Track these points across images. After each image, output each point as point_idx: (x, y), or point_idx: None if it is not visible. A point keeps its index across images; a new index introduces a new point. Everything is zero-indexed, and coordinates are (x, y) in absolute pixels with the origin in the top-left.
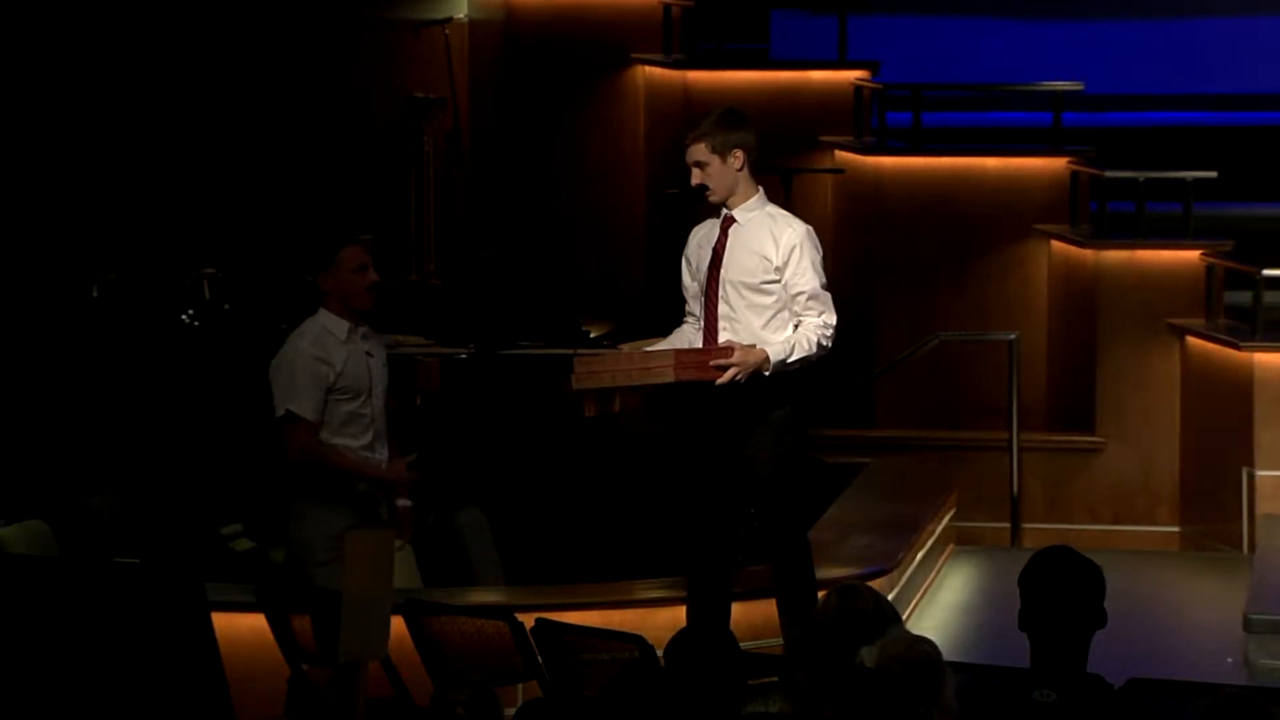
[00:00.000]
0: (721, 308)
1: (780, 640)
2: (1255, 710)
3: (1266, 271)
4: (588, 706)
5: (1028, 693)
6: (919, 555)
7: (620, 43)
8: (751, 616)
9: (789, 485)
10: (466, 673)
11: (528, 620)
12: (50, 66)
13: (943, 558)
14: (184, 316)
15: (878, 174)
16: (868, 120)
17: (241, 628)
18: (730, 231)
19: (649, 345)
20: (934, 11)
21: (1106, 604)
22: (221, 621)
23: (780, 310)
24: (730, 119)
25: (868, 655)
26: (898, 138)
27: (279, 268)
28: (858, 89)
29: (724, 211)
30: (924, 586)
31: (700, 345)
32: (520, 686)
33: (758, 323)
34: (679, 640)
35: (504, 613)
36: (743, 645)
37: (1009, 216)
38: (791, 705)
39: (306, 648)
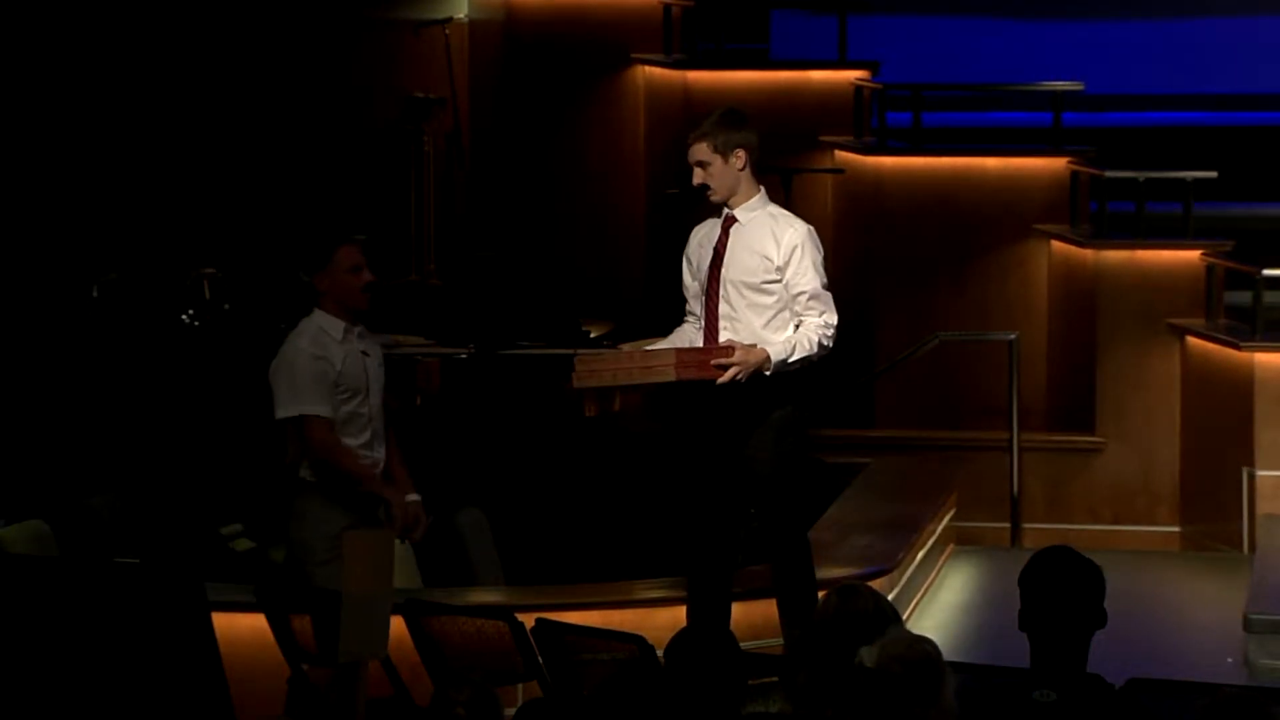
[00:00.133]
0: (722, 307)
1: (780, 640)
2: (1255, 710)
3: (1266, 271)
4: (588, 706)
5: (1028, 693)
6: (919, 555)
7: (620, 43)
8: (751, 616)
9: (789, 485)
10: (466, 673)
11: (528, 620)
12: (50, 66)
13: (943, 558)
14: (184, 316)
15: (878, 174)
16: (868, 120)
17: (241, 628)
18: (731, 231)
19: (649, 345)
20: (934, 11)
21: (1106, 604)
22: (221, 621)
23: (781, 310)
24: (732, 119)
25: (867, 655)
26: (898, 138)
27: (276, 268)
28: (858, 89)
29: (725, 211)
30: (924, 586)
31: (701, 345)
32: (520, 686)
33: (758, 322)
34: (679, 640)
35: (504, 613)
36: (743, 645)
37: (1009, 216)
38: (791, 705)
39: (306, 648)
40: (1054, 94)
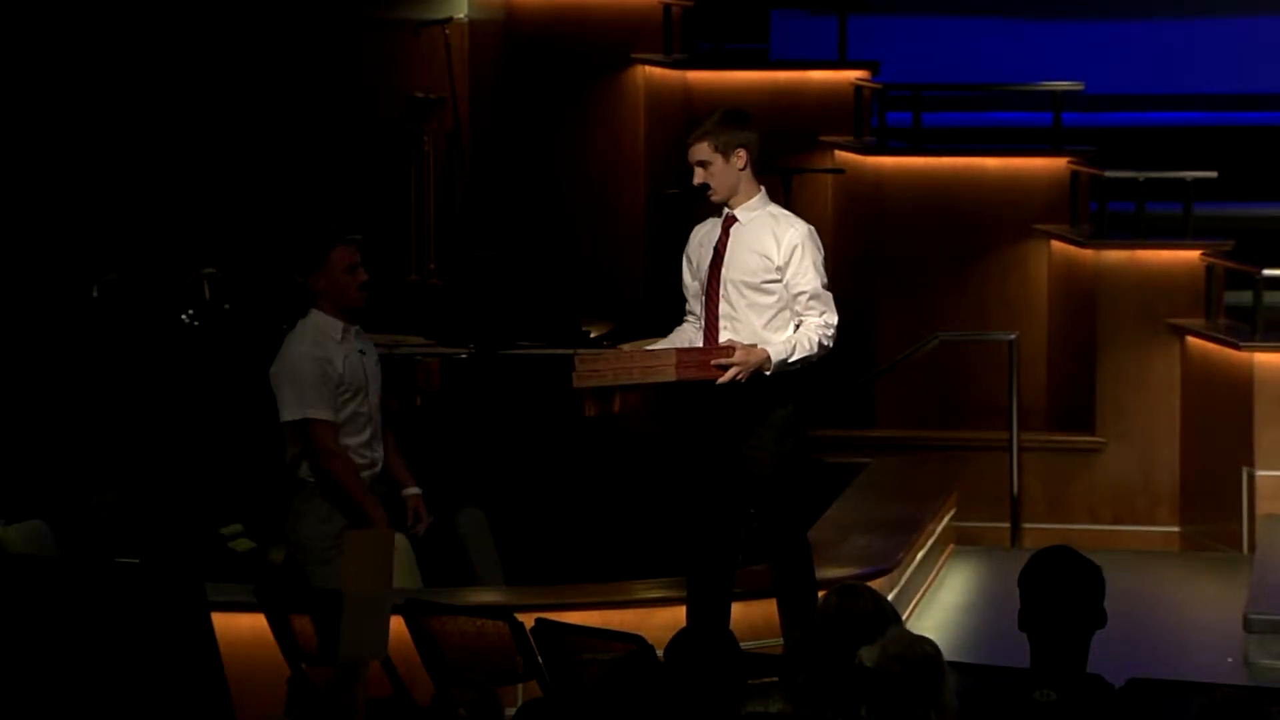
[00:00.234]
0: (722, 307)
1: (780, 640)
2: (1255, 710)
3: (1266, 271)
4: (588, 706)
5: (1028, 693)
6: (919, 555)
7: (620, 43)
8: (751, 616)
9: (789, 485)
10: (466, 673)
11: (528, 620)
12: (50, 66)
13: (943, 558)
14: (184, 316)
15: (878, 174)
16: (868, 120)
17: (241, 628)
18: (732, 230)
19: (649, 345)
20: (934, 11)
21: (1106, 604)
22: (221, 621)
23: (781, 310)
24: (733, 118)
25: (868, 655)
26: (898, 138)
27: (275, 268)
28: (858, 89)
29: (726, 210)
30: (924, 586)
31: (701, 344)
32: (520, 686)
33: (759, 322)
34: (679, 640)
35: (504, 613)
36: (743, 645)
37: (1009, 216)
38: (791, 705)
39: (306, 648)
40: (1054, 94)
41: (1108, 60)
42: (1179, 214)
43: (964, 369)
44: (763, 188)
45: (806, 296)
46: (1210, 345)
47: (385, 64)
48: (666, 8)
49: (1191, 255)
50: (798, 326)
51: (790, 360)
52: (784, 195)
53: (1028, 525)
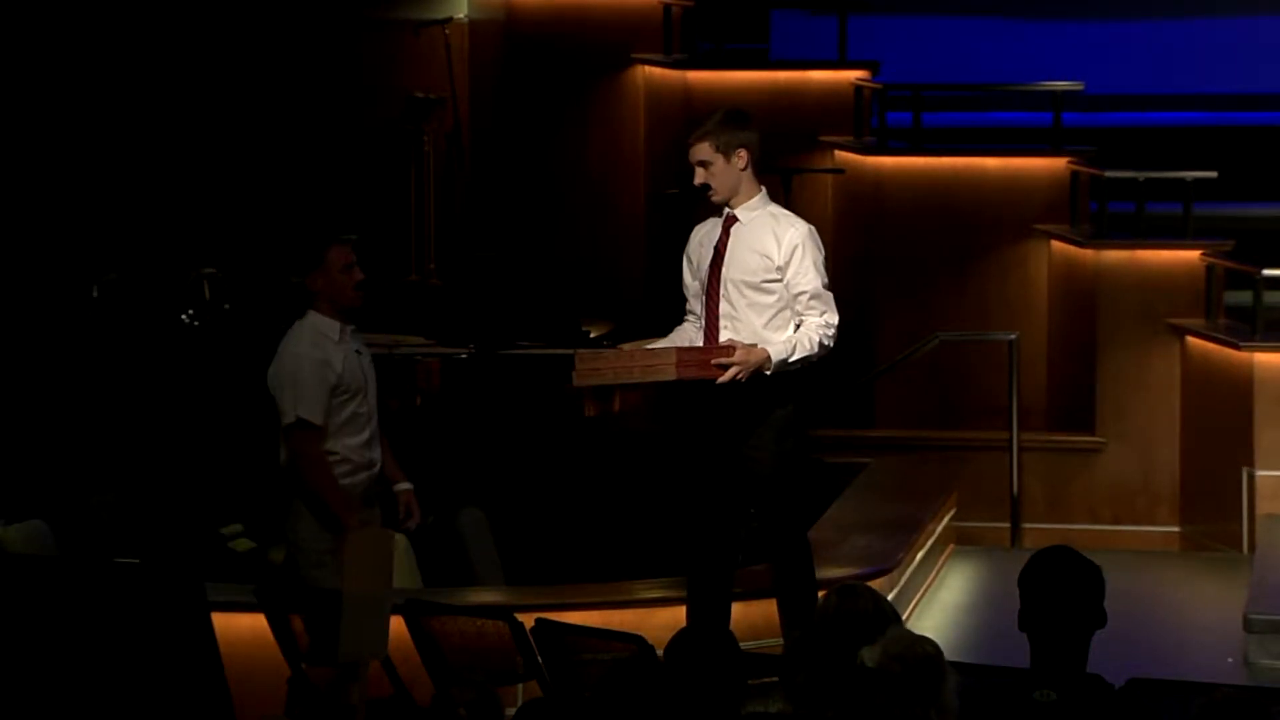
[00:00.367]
0: (723, 306)
1: (780, 640)
2: (1255, 710)
3: (1266, 271)
4: (588, 706)
5: (1028, 693)
6: (919, 555)
7: (620, 43)
8: (751, 616)
9: (789, 485)
10: (466, 673)
11: (528, 620)
12: (50, 66)
13: (943, 558)
14: (184, 316)
15: (878, 174)
16: (868, 120)
17: (241, 628)
18: (732, 230)
19: (649, 345)
20: (934, 11)
21: (1106, 604)
22: (221, 621)
23: (782, 309)
24: (734, 118)
25: (869, 655)
26: (898, 138)
27: (273, 269)
28: (858, 89)
29: (726, 210)
30: (924, 586)
31: (701, 344)
32: (520, 686)
33: (759, 321)
34: (679, 640)
35: (504, 613)
36: (743, 645)
37: (1009, 216)
38: (791, 705)
39: (306, 648)
40: (1054, 94)
41: (1108, 60)
42: (1179, 214)
43: (964, 369)
44: (763, 188)
45: (807, 296)
46: (1210, 345)
47: (385, 64)
48: (666, 8)
49: (1191, 255)
50: (798, 326)
51: (790, 360)
52: (784, 195)
53: (1028, 525)
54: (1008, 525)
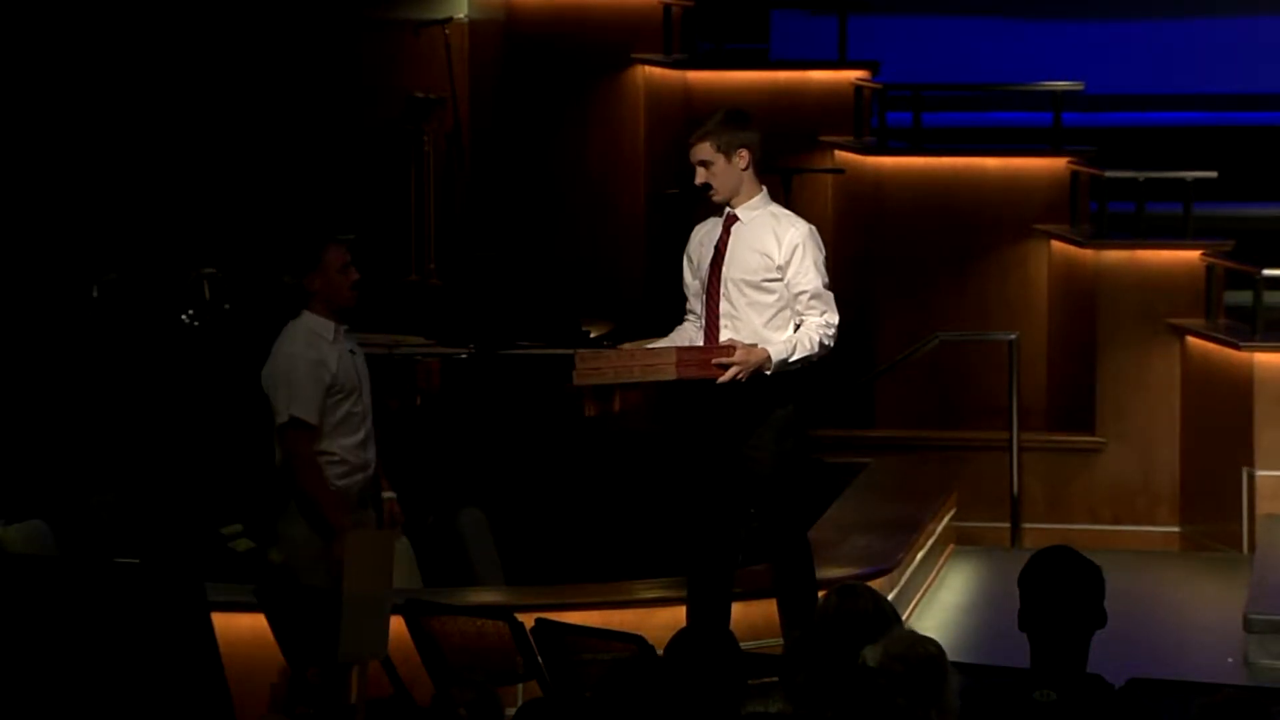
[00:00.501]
0: (723, 305)
1: (780, 640)
2: (1255, 710)
3: (1266, 271)
4: (588, 706)
5: (1028, 693)
6: (919, 555)
7: (620, 43)
8: (751, 616)
9: (789, 485)
10: (466, 673)
11: (528, 620)
12: (50, 66)
13: (943, 558)
14: (184, 316)
15: (878, 174)
16: (868, 120)
17: (241, 628)
18: (733, 229)
19: (650, 345)
20: (934, 11)
21: (1106, 604)
22: (221, 621)
23: (782, 309)
24: (736, 118)
25: (871, 655)
26: (898, 138)
27: (271, 269)
28: (858, 89)
29: (727, 210)
30: (924, 586)
31: (701, 343)
32: (520, 686)
33: (759, 321)
34: (679, 640)
35: (504, 613)
36: (743, 645)
37: (1009, 216)
38: (791, 705)
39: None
40: (1054, 94)
41: (1108, 60)
42: (1179, 214)
43: (964, 369)
44: (764, 187)
45: (807, 296)
46: (1210, 345)
47: (385, 64)
48: (666, 8)
49: (1191, 255)
50: (798, 326)
51: (791, 360)
52: (784, 195)
53: (1028, 525)
54: (1008, 525)
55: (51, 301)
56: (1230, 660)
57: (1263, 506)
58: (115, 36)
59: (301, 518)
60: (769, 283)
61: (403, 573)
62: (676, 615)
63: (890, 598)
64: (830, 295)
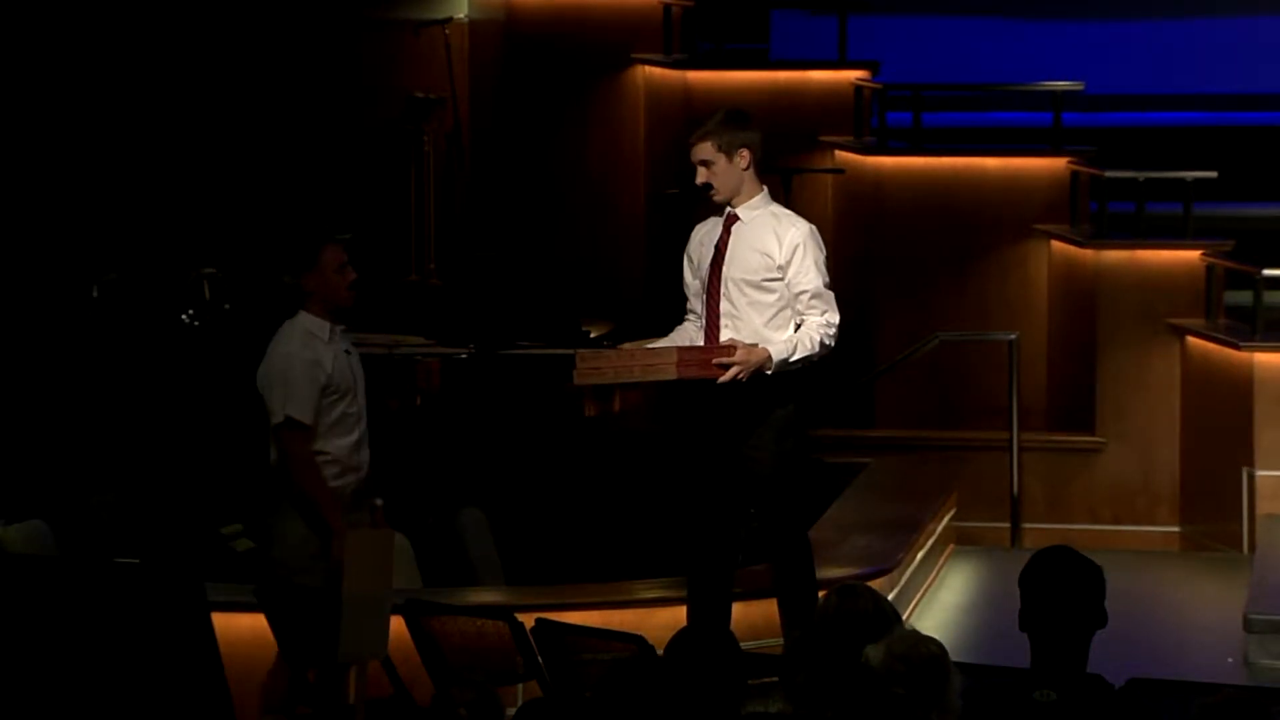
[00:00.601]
0: (723, 305)
1: (780, 640)
2: (1255, 710)
3: (1266, 271)
4: (588, 706)
5: (1028, 693)
6: (919, 555)
7: (620, 43)
8: (751, 616)
9: (789, 485)
10: (466, 673)
11: (528, 620)
12: (50, 66)
13: (943, 558)
14: (184, 316)
15: (878, 174)
16: (868, 120)
17: (241, 628)
18: (733, 229)
19: (650, 345)
20: (934, 11)
21: (1106, 604)
22: (221, 621)
23: (783, 309)
24: (736, 118)
25: (873, 655)
26: (898, 138)
27: (269, 269)
28: (858, 89)
29: (728, 209)
30: (924, 586)
31: (701, 343)
32: (520, 686)
33: (759, 320)
34: (679, 640)
35: (504, 613)
36: (743, 645)
37: (1009, 216)
38: (791, 705)
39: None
40: (1054, 94)
41: (1108, 60)
42: (1179, 214)
43: (964, 369)
44: (765, 187)
45: (808, 295)
46: (1210, 345)
47: (385, 64)
48: (666, 8)
49: (1191, 255)
50: (799, 326)
51: (791, 359)
52: (784, 195)
53: (1028, 525)
54: (1008, 525)
55: (51, 301)
56: (1230, 660)
57: (1263, 506)
58: (115, 37)
59: (294, 520)
60: (769, 282)
61: (403, 573)
62: (676, 615)
63: (890, 598)
64: (831, 295)
